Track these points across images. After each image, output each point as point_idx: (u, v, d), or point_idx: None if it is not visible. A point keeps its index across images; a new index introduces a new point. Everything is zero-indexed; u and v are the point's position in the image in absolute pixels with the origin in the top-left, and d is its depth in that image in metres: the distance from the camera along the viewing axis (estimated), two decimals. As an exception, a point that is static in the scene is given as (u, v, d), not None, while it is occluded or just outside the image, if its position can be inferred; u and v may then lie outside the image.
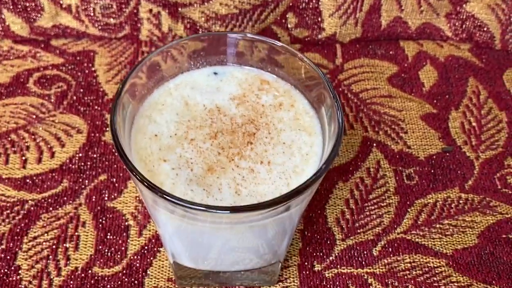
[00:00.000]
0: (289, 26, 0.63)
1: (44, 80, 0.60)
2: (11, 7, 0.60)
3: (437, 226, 0.53)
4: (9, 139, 0.56)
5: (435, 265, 0.50)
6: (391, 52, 0.65)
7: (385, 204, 0.54)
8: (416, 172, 0.56)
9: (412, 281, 0.49)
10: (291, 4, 0.62)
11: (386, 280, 0.49)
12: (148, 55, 0.42)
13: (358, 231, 0.52)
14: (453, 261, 0.50)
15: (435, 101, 0.61)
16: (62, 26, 0.62)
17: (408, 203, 0.54)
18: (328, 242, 0.51)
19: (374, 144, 0.58)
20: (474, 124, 0.60)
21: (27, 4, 0.60)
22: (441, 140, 0.58)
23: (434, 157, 0.57)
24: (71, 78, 0.60)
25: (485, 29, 0.65)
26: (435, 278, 0.50)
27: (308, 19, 0.63)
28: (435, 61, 0.65)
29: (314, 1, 0.62)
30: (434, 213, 0.54)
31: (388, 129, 0.59)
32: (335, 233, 0.52)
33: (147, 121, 0.42)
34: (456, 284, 0.49)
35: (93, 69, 0.61)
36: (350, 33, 0.65)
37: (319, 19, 0.63)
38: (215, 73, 0.45)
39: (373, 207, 0.54)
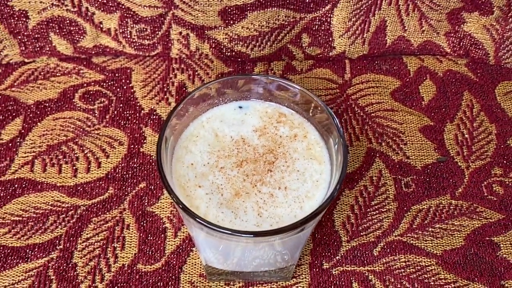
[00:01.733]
0: (303, 45, 0.71)
1: (88, 96, 0.69)
2: (57, 30, 0.68)
3: (429, 229, 0.61)
4: (61, 150, 0.65)
5: (426, 264, 0.59)
6: (395, 67, 0.73)
7: (385, 209, 0.62)
8: (413, 180, 0.64)
9: (406, 278, 0.58)
10: (305, 26, 0.69)
11: (384, 277, 0.58)
12: (185, 96, 0.50)
13: (361, 233, 0.61)
14: (442, 260, 0.59)
15: (432, 114, 0.69)
16: (102, 46, 0.70)
17: (405, 208, 0.63)
18: (335, 243, 0.60)
19: (377, 155, 0.66)
20: (466, 135, 0.67)
21: (72, 28, 0.68)
22: (436, 151, 0.66)
23: (430, 166, 0.65)
24: (111, 94, 0.69)
25: (480, 46, 0.72)
26: (426, 276, 0.58)
27: (321, 39, 0.71)
28: (434, 76, 0.72)
29: (326, 24, 0.69)
30: (427, 218, 0.62)
31: (390, 141, 0.67)
32: (341, 235, 0.61)
33: (184, 151, 0.51)
34: (443, 280, 0.58)
35: (130, 85, 0.70)
36: (358, 51, 0.72)
37: (330, 39, 0.70)
38: (240, 107, 0.54)
39: (374, 212, 0.62)
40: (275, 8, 0.67)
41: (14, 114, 0.67)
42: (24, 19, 0.67)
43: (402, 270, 0.59)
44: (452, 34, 0.72)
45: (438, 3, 0.68)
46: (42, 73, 0.70)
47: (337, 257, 0.59)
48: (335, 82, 0.71)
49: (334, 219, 0.62)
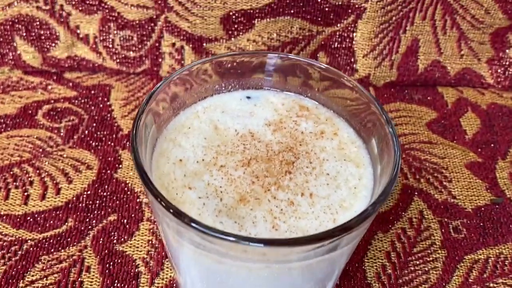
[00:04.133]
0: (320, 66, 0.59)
1: (54, 113, 0.55)
2: (24, 34, 0.56)
3: (491, 285, 0.46)
4: (11, 173, 0.50)
5: (493, 330, 0.43)
6: (428, 98, 0.61)
7: (431, 258, 0.47)
8: (464, 224, 0.50)
9: None
10: (322, 42, 0.58)
11: None
12: (175, 71, 0.37)
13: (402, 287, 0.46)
14: (513, 326, 0.44)
15: (479, 149, 0.56)
16: (77, 58, 0.58)
17: (456, 258, 0.48)
18: (368, 300, 0.45)
19: (416, 193, 0.52)
20: (524, 175, 0.54)
21: (42, 32, 0.56)
22: (488, 191, 0.53)
23: (483, 209, 0.51)
24: (83, 112, 0.56)
25: (530, 76, 0.60)
26: None
27: (341, 59, 0.59)
28: (476, 108, 0.60)
29: (347, 40, 0.58)
30: (486, 271, 0.47)
31: (430, 177, 0.53)
32: (375, 290, 0.45)
33: (171, 145, 0.37)
34: None
35: (108, 103, 0.57)
36: (385, 76, 0.60)
37: (352, 60, 0.59)
38: (248, 97, 0.40)
39: (417, 262, 0.47)
40: (288, 17, 0.56)
41: (-42, 129, 0.53)
42: (-16, 17, 0.55)
43: (461, 337, 0.43)
44: (495, 62, 0.61)
45: (482, 19, 0.58)
46: (1, 87, 0.57)
47: (372, 318, 0.44)
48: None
49: (366, 269, 0.46)
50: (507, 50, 0.60)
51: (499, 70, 0.61)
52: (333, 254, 0.32)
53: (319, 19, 0.56)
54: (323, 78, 0.39)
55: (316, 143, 0.38)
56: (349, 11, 0.56)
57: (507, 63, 0.60)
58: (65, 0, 0.54)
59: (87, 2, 0.55)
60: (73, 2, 0.54)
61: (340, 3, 0.55)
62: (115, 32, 0.56)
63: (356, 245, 0.35)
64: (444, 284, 0.46)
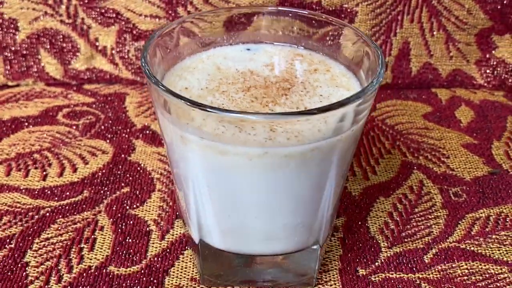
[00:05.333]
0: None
1: (73, 114, 0.60)
2: (48, 47, 0.62)
3: (493, 236, 0.47)
4: (31, 158, 0.54)
5: (497, 272, 0.44)
6: (423, 96, 0.64)
7: (432, 217, 0.49)
8: (463, 190, 0.52)
9: (472, 286, 0.42)
10: (320, 47, 0.63)
11: (442, 285, 0.43)
12: (183, 17, 0.42)
13: (405, 240, 0.46)
14: (517, 268, 0.44)
15: (474, 134, 0.59)
16: (96, 70, 0.63)
17: (458, 216, 0.49)
18: (372, 249, 0.46)
19: (415, 167, 0.54)
20: (519, 152, 0.56)
21: (64, 45, 0.62)
22: (485, 164, 0.55)
23: (481, 179, 0.53)
24: (100, 113, 0.60)
25: (517, 73, 0.64)
26: (499, 284, 0.43)
27: (338, 63, 0.64)
28: (470, 103, 0.63)
29: (343, 44, 0.63)
30: (488, 226, 0.48)
31: (429, 155, 0.55)
32: (379, 241, 0.46)
33: (177, 78, 0.41)
34: (525, 290, 0.42)
35: (123, 106, 0.61)
36: (381, 78, 0.64)
37: (349, 63, 0.63)
38: (248, 49, 0.45)
39: (419, 219, 0.48)
40: (288, 18, 0.61)
41: (-16, 128, 0.57)
42: (13, 31, 0.61)
43: (466, 277, 0.43)
44: (483, 63, 0.65)
45: (465, 20, 0.63)
46: (25, 96, 0.62)
47: (376, 264, 0.44)
48: (357, 106, 0.62)
49: (369, 226, 0.48)
50: (493, 51, 0.64)
51: (487, 71, 0.65)
52: (330, 144, 0.35)
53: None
54: (314, 26, 0.44)
55: (310, 76, 0.41)
56: (342, 15, 0.61)
57: (495, 63, 0.65)
58: (86, 14, 0.61)
59: (106, 15, 0.61)
60: (93, 15, 0.61)
61: (333, 8, 0.61)
62: (131, 43, 0.62)
63: (352, 152, 0.38)
64: (447, 236, 0.47)
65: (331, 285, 0.43)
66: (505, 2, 0.62)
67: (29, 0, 0.60)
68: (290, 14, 0.44)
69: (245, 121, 0.35)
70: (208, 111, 0.33)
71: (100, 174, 0.52)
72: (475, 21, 0.63)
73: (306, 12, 0.44)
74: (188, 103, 0.33)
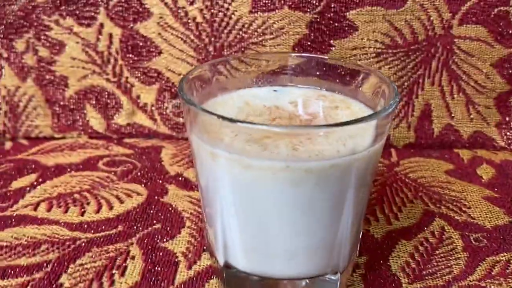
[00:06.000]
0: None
1: (112, 162, 0.64)
2: (94, 102, 0.67)
3: (515, 278, 0.48)
4: (72, 197, 0.57)
5: (519, 308, 0.44)
6: (446, 156, 0.67)
7: (453, 258, 0.50)
8: (484, 236, 0.53)
9: (493, 321, 0.43)
10: (346, 108, 0.67)
11: (463, 318, 0.43)
12: (213, 60, 0.47)
13: (426, 277, 0.47)
14: (539, 306, 0.44)
15: (495, 189, 0.60)
16: (136, 125, 0.68)
17: (478, 258, 0.50)
18: (393, 285, 0.47)
19: (437, 216, 0.56)
20: (541, 205, 0.57)
21: (109, 101, 0.67)
22: (506, 215, 0.56)
23: (502, 227, 0.54)
24: (137, 162, 0.64)
25: (537, 135, 0.67)
26: (520, 319, 0.43)
27: (363, 123, 0.67)
28: (491, 162, 0.65)
29: (367, 105, 0.67)
30: (509, 268, 0.49)
31: (450, 205, 0.57)
32: (400, 278, 0.47)
33: (210, 109, 0.45)
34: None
35: (159, 156, 0.65)
36: (404, 137, 0.67)
37: (373, 123, 0.67)
38: (275, 91, 0.49)
39: (440, 260, 0.50)
40: (315, 78, 0.66)
41: (30, 171, 0.62)
42: (63, 87, 0.67)
43: (487, 312, 0.44)
44: (503, 126, 0.67)
45: (484, 84, 0.66)
46: (69, 147, 0.67)
47: (397, 297, 0.45)
48: (380, 162, 0.65)
49: (390, 265, 0.49)
50: (512, 114, 0.67)
51: (508, 133, 0.68)
52: (349, 162, 0.37)
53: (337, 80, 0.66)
54: (335, 68, 0.48)
55: (331, 112, 0.45)
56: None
57: (515, 125, 0.67)
58: (130, 73, 0.66)
59: (148, 74, 0.66)
60: (137, 75, 0.66)
61: (355, 68, 0.65)
62: (169, 100, 0.67)
63: (373, 173, 0.41)
64: (467, 275, 0.48)
65: (352, 315, 0.44)
66: (521, 67, 0.65)
67: (80, 60, 0.66)
68: (314, 61, 0.49)
69: (269, 138, 0.38)
70: (237, 122, 0.37)
71: (134, 212, 0.55)
72: (493, 85, 0.66)
73: (327, 57, 0.48)
74: (220, 118, 0.37)
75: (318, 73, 0.49)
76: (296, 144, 0.39)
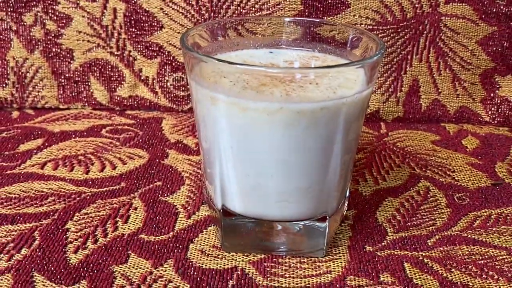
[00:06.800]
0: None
1: (115, 130, 0.67)
2: (98, 75, 0.71)
3: (493, 229, 0.51)
4: (77, 159, 0.60)
5: (496, 254, 0.47)
6: (433, 128, 0.70)
7: (437, 212, 0.53)
8: (467, 196, 0.56)
9: (472, 263, 0.46)
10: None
11: (444, 262, 0.46)
12: (212, 21, 0.50)
13: (411, 228, 0.51)
14: (516, 253, 0.48)
15: (479, 157, 0.64)
16: (138, 98, 0.71)
17: (461, 213, 0.53)
18: (380, 233, 0.50)
19: (422, 178, 0.59)
20: (521, 171, 0.61)
21: (112, 74, 0.71)
22: (488, 178, 0.59)
23: (484, 188, 0.57)
24: (139, 130, 0.67)
25: (520, 110, 0.70)
26: (497, 262, 0.46)
27: (354, 97, 0.70)
28: (476, 135, 0.69)
29: (359, 80, 0.70)
30: (489, 221, 0.52)
31: (436, 169, 0.60)
32: (386, 228, 0.50)
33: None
34: (521, 267, 0.46)
35: (160, 126, 0.68)
36: (393, 111, 0.71)
37: (364, 97, 0.70)
38: (271, 52, 0.52)
39: (425, 213, 0.53)
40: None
41: (37, 137, 0.65)
42: (69, 60, 0.70)
43: (466, 257, 0.47)
44: (488, 101, 0.71)
45: (469, 61, 0.69)
46: (74, 116, 0.70)
47: (383, 243, 0.48)
48: (371, 134, 0.68)
49: (377, 217, 0.52)
50: (497, 91, 0.71)
51: (492, 109, 0.71)
52: (336, 104, 0.41)
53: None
54: (328, 33, 0.51)
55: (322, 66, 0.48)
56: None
57: (499, 101, 0.71)
58: (133, 47, 0.70)
59: (150, 48, 0.70)
60: (139, 48, 0.70)
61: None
62: (170, 74, 0.70)
63: (361, 118, 0.44)
64: (449, 227, 0.51)
65: (339, 257, 0.47)
66: (505, 45, 0.69)
67: (85, 33, 0.69)
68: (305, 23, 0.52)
69: (265, 85, 0.41)
70: (235, 64, 0.40)
71: (136, 172, 0.58)
72: (479, 61, 0.70)
73: (318, 20, 0.52)
74: (220, 61, 0.40)
75: (311, 36, 0.52)
76: (289, 91, 0.42)
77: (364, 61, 0.43)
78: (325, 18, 0.68)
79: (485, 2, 0.67)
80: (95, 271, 0.44)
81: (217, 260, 0.46)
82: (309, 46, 0.52)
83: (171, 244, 0.48)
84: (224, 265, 0.45)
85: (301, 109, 0.41)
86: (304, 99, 0.41)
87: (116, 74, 0.71)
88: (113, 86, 0.71)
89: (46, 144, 0.63)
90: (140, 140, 0.65)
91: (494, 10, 0.67)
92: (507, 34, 0.69)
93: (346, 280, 0.44)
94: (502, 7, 0.68)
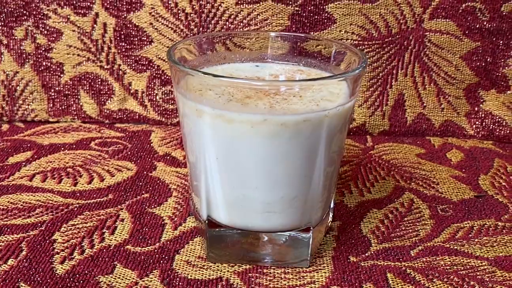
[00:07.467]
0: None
1: (104, 143, 0.67)
2: (87, 88, 0.71)
3: (476, 240, 0.51)
4: (65, 171, 0.61)
5: (477, 265, 0.48)
6: (418, 142, 0.71)
7: (420, 224, 0.54)
8: (450, 208, 0.57)
9: (454, 274, 0.47)
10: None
11: (426, 272, 0.47)
12: (200, 35, 0.51)
13: (394, 239, 0.51)
14: (497, 263, 0.48)
15: (463, 170, 0.65)
16: (127, 111, 0.72)
17: (444, 225, 0.54)
18: (363, 244, 0.50)
19: (407, 190, 0.60)
20: (504, 183, 0.62)
21: (102, 87, 0.71)
22: (472, 190, 0.60)
23: (467, 201, 0.58)
24: (128, 143, 0.68)
25: (503, 123, 0.71)
26: (479, 273, 0.47)
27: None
28: (460, 148, 0.70)
29: (345, 94, 0.71)
30: (471, 233, 0.53)
31: (420, 182, 0.61)
32: (370, 239, 0.51)
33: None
34: (501, 277, 0.46)
35: (148, 139, 0.69)
36: (379, 125, 0.72)
37: (351, 111, 0.71)
38: (257, 66, 0.53)
39: (408, 225, 0.53)
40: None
41: (26, 149, 0.65)
42: (59, 73, 0.71)
43: (448, 267, 0.47)
44: (472, 115, 0.72)
45: (454, 76, 0.71)
46: (63, 130, 0.71)
47: (367, 254, 0.49)
48: (356, 146, 0.69)
49: (362, 228, 0.53)
50: (481, 105, 0.72)
51: (477, 122, 0.72)
52: (318, 116, 0.41)
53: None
54: (312, 43, 0.52)
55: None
56: (344, 68, 0.70)
57: (483, 115, 0.72)
58: (122, 61, 0.71)
59: (140, 62, 0.71)
60: (129, 62, 0.71)
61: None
62: (159, 87, 0.71)
63: (345, 129, 0.45)
64: (432, 238, 0.52)
65: (324, 267, 0.47)
66: (488, 60, 0.70)
67: (75, 47, 0.70)
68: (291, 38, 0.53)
69: (250, 98, 0.42)
70: (219, 77, 0.41)
71: (124, 184, 0.59)
72: (463, 76, 0.71)
73: (303, 35, 0.53)
74: (205, 74, 0.41)
75: (297, 50, 0.53)
76: (274, 103, 0.43)
77: (347, 74, 0.44)
78: (312, 33, 0.69)
79: (469, 18, 0.69)
80: (81, 282, 0.44)
81: (203, 271, 0.46)
82: (294, 60, 0.53)
83: (157, 255, 0.48)
84: (209, 276, 0.46)
85: (285, 121, 0.41)
86: (288, 112, 0.42)
87: (106, 88, 0.72)
88: (102, 100, 0.72)
89: (35, 156, 0.64)
90: (129, 153, 0.65)
91: (478, 26, 0.69)
92: (490, 49, 0.70)
93: (329, 290, 0.45)
94: (485, 23, 0.69)
